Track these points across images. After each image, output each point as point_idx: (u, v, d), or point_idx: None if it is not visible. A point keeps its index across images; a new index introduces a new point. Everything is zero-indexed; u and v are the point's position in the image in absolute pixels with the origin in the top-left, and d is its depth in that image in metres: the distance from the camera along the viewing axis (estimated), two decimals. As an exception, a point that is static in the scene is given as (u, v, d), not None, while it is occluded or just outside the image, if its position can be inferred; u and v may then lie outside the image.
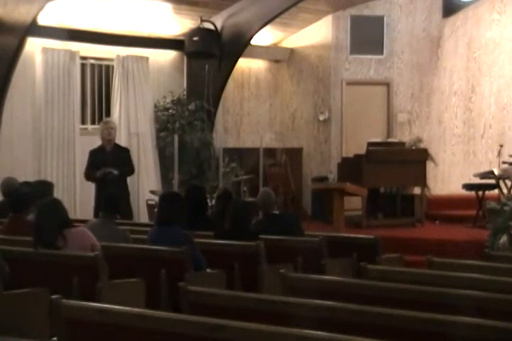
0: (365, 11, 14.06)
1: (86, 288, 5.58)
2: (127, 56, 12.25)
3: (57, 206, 6.26)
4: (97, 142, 12.11)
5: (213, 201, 8.69)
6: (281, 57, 14.42)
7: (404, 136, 14.02)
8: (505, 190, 11.63)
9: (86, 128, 12.06)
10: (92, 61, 12.15)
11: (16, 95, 10.94)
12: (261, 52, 14.08)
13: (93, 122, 12.19)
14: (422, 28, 14.30)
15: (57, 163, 11.39)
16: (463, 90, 14.52)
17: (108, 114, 12.24)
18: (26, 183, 8.20)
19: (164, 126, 12.61)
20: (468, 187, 12.22)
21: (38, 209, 6.34)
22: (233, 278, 6.51)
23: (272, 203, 7.91)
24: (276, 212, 7.95)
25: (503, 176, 11.71)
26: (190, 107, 12.79)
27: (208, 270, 6.51)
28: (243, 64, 13.82)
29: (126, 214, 9.40)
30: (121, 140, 12.18)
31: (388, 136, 13.96)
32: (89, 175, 10.22)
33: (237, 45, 12.91)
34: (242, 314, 3.76)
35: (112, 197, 7.15)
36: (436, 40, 14.40)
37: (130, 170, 10.37)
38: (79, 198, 11.56)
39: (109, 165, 9.98)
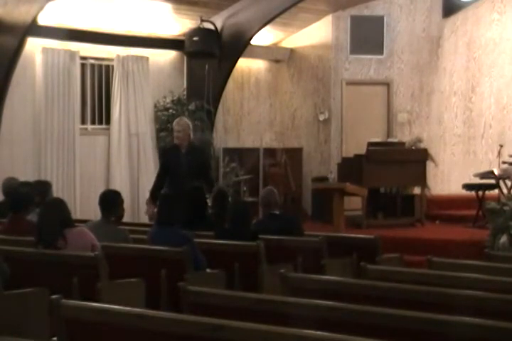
0: (365, 11, 14.06)
1: (86, 288, 5.58)
2: (127, 56, 12.25)
3: (60, 205, 6.27)
4: (97, 142, 12.15)
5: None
6: (281, 57, 14.41)
7: (404, 136, 14.01)
8: (505, 190, 11.63)
9: (86, 128, 12.06)
10: (92, 61, 12.14)
11: (16, 95, 10.94)
12: (261, 52, 14.08)
13: (93, 122, 12.20)
14: (422, 28, 14.30)
15: (57, 163, 11.39)
16: (463, 90, 14.52)
17: (108, 114, 12.24)
18: (25, 183, 8.20)
19: (164, 126, 12.60)
20: (468, 187, 12.21)
21: (41, 208, 6.35)
22: (233, 278, 6.51)
23: (274, 202, 7.90)
24: (277, 211, 7.94)
25: (503, 176, 11.70)
26: (190, 107, 12.79)
27: (208, 270, 6.52)
28: (243, 64, 13.82)
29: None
30: (121, 140, 12.20)
31: (388, 136, 13.96)
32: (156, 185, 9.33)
33: (237, 45, 12.91)
34: (242, 314, 3.76)
35: (110, 196, 7.13)
36: (436, 40, 14.40)
37: (207, 182, 9.02)
38: (79, 198, 11.56)
39: (184, 169, 9.08)
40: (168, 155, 9.49)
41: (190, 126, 9.50)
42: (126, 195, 10.56)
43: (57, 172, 11.36)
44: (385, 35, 14.07)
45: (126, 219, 9.70)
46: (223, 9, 12.67)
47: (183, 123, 9.48)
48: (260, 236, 6.97)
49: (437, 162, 13.70)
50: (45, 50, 11.25)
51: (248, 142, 14.05)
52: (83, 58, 11.86)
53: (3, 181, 8.78)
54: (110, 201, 7.00)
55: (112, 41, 12.01)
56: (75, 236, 6.14)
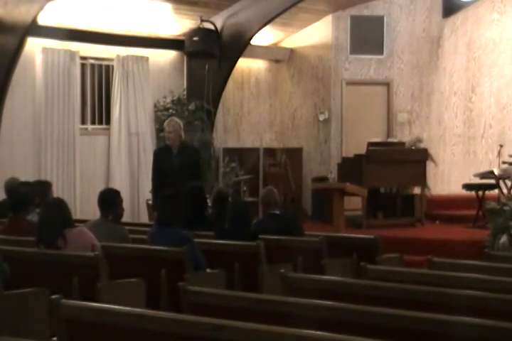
0: (365, 11, 14.05)
1: (86, 288, 5.58)
2: (127, 56, 12.26)
3: (60, 205, 6.27)
4: (97, 142, 12.15)
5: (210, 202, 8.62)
6: (281, 57, 14.41)
7: (404, 136, 14.01)
8: (505, 190, 11.63)
9: (86, 128, 12.06)
10: (92, 61, 12.15)
11: (16, 95, 10.94)
12: (261, 52, 14.08)
13: (93, 122, 12.20)
14: (422, 28, 14.30)
15: (57, 163, 11.39)
16: (463, 90, 14.52)
17: (108, 114, 12.24)
18: (25, 183, 8.20)
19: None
20: (468, 187, 12.21)
21: (41, 208, 6.36)
22: (233, 278, 6.51)
23: (274, 202, 7.90)
24: (277, 211, 7.94)
25: (503, 176, 11.70)
26: (190, 107, 12.79)
27: (208, 270, 6.52)
28: (243, 64, 13.82)
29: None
30: (121, 140, 12.20)
31: (388, 136, 13.96)
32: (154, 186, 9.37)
33: (237, 45, 12.91)
34: (242, 314, 3.76)
35: (108, 195, 7.12)
36: (436, 40, 14.40)
37: (198, 183, 8.85)
38: (79, 198, 11.56)
39: (176, 169, 9.03)
40: (160, 157, 9.45)
41: (182, 126, 9.47)
42: (126, 195, 10.58)
43: (57, 172, 11.36)
44: (385, 35, 14.08)
45: (126, 219, 9.72)
46: (223, 9, 12.67)
47: (173, 124, 9.44)
48: (260, 236, 6.97)
49: (437, 162, 13.70)
50: (45, 50, 11.25)
51: (248, 142, 14.05)
52: (83, 58, 11.86)
53: (6, 181, 8.79)
54: (108, 199, 6.99)
55: (112, 41, 12.01)
56: (75, 236, 6.14)
